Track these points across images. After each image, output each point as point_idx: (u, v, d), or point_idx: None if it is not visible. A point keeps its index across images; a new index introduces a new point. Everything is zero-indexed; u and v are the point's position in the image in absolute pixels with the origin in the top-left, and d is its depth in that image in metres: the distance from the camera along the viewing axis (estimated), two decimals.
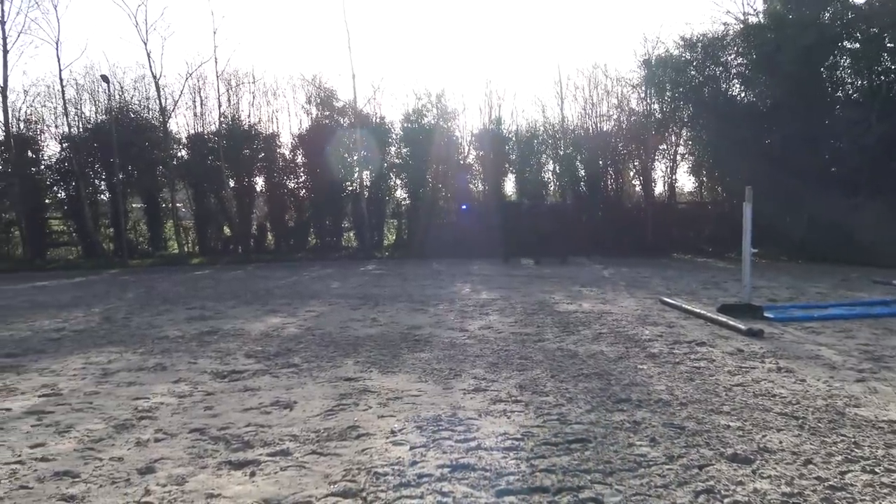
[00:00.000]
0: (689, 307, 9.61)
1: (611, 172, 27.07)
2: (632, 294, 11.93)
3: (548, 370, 6.01)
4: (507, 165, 27.35)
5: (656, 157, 26.60)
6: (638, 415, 4.59)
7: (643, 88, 25.65)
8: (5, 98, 26.61)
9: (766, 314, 8.80)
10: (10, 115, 26.82)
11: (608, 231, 24.66)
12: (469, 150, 27.80)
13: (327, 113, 28.12)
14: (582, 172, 26.92)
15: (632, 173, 27.65)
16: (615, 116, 26.78)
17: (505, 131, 27.12)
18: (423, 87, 28.58)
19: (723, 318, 8.42)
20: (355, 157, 27.45)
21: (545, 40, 44.23)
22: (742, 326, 7.78)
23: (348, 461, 3.84)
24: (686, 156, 26.57)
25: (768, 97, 22.28)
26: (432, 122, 27.28)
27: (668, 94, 25.09)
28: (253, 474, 3.69)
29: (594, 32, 50.80)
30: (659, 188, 27.49)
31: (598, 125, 26.92)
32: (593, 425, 4.38)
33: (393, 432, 4.35)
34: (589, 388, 5.35)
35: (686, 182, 28.77)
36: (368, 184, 27.81)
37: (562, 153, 27.07)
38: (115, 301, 13.01)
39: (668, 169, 26.80)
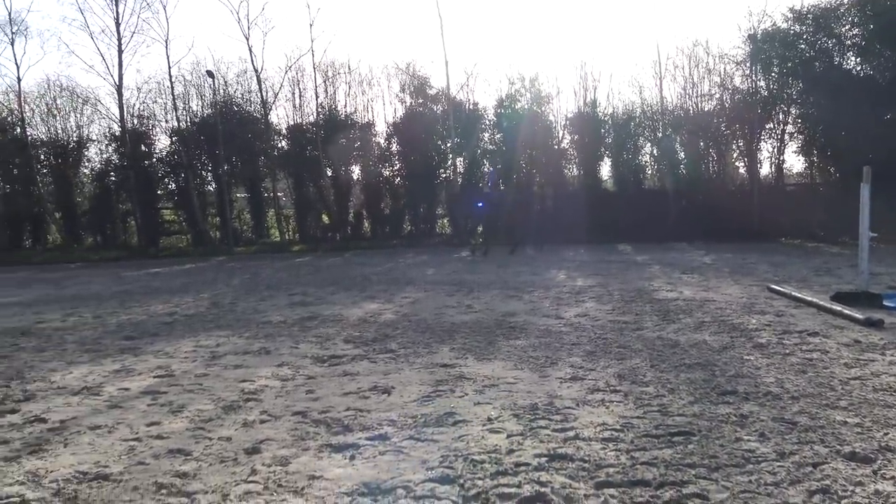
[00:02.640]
0: (799, 295, 9.11)
1: (713, 154, 26.00)
2: (736, 281, 11.43)
3: (647, 360, 5.84)
4: (602, 149, 26.73)
5: (762, 137, 25.32)
6: (745, 408, 4.38)
7: (748, 65, 24.42)
8: (121, 95, 28.33)
9: (885, 303, 8.22)
10: (125, 112, 28.51)
11: (709, 215, 23.70)
12: (563, 134, 27.36)
13: (421, 101, 28.33)
14: (682, 155, 26.00)
15: (735, 154, 26.47)
16: (717, 95, 25.66)
17: (600, 114, 26.49)
18: (517, 71, 28.31)
19: (837, 307, 7.93)
20: (449, 144, 27.56)
21: (643, 18, 42.98)
22: (859, 316, 7.30)
23: (445, 447, 3.85)
24: (795, 135, 25.13)
25: (888, 70, 20.76)
26: (525, 106, 26.99)
27: (774, 70, 23.78)
28: (353, 458, 3.76)
29: (695, 8, 48.83)
30: (765, 170, 26.20)
31: (699, 105, 25.88)
32: (697, 418, 4.21)
33: (489, 420, 4.34)
34: (691, 378, 5.16)
35: (795, 163, 27.18)
36: (462, 170, 27.86)
37: (660, 135, 26.23)
38: (222, 287, 13.62)
39: (776, 149, 25.46)
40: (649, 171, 27.53)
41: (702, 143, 25.61)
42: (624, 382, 5.12)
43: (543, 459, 3.61)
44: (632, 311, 8.52)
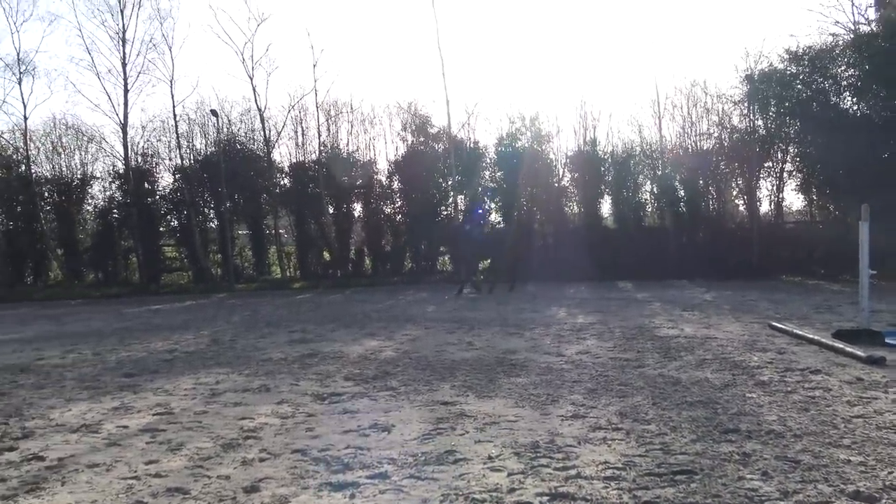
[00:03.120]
0: (800, 332, 9.09)
1: (712, 192, 26.13)
2: (737, 318, 11.42)
3: (649, 397, 5.81)
4: (602, 187, 26.89)
5: (761, 175, 25.48)
6: (748, 446, 4.35)
7: (745, 105, 24.69)
8: (125, 134, 28.64)
9: (887, 340, 8.20)
10: (129, 150, 28.78)
11: (709, 253, 23.72)
12: (564, 172, 27.54)
13: (422, 139, 28.59)
14: (681, 193, 26.15)
15: (735, 192, 26.60)
16: (716, 134, 25.88)
17: (600, 152, 26.70)
18: (517, 110, 28.61)
19: (839, 345, 7.90)
20: (450, 182, 27.74)
21: (641, 59, 43.72)
22: (861, 353, 7.27)
23: (446, 486, 3.82)
24: (794, 173, 25.28)
25: (884, 109, 20.98)
26: (526, 145, 27.21)
27: (772, 109, 24.04)
28: (353, 496, 3.73)
29: (692, 49, 49.53)
30: (765, 207, 26.31)
31: (698, 143, 26.10)
32: (699, 456, 4.18)
33: (490, 458, 4.31)
34: (693, 416, 5.13)
35: (794, 201, 27.27)
36: (463, 208, 28.00)
37: (660, 173, 26.40)
38: (223, 324, 13.60)
39: (775, 187, 25.59)
40: (649, 209, 27.63)
41: (701, 182, 25.76)
42: (626, 420, 5.09)
43: (545, 498, 3.58)
44: (633, 349, 8.50)
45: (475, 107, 29.16)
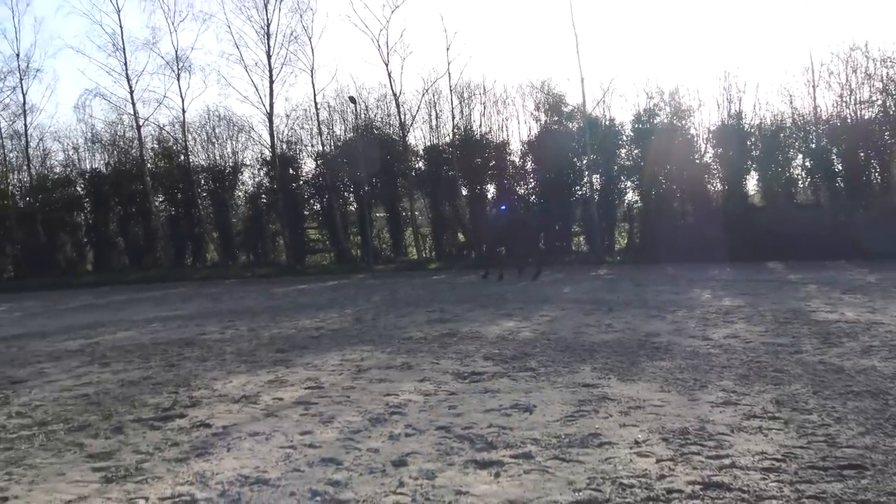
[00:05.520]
0: None
1: (874, 165, 23.99)
2: None
3: (808, 385, 5.44)
4: (748, 162, 25.35)
5: None
6: None
7: None
8: (272, 123, 30.22)
9: None
10: (275, 138, 30.39)
11: (872, 231, 21.79)
12: (706, 147, 26.22)
13: (556, 118, 28.16)
14: (839, 166, 24.19)
15: None
16: (879, 102, 23.69)
17: (746, 126, 25.16)
18: (655, 85, 27.33)
19: None
20: (584, 161, 27.19)
21: (792, 23, 40.40)
22: None
23: (592, 469, 3.77)
24: None
25: None
26: (665, 120, 26.13)
27: None
28: (497, 475, 3.76)
29: (851, 9, 45.52)
30: None
31: (858, 112, 24.00)
32: (869, 450, 3.87)
33: (637, 442, 4.20)
34: (861, 407, 4.75)
35: None
36: (598, 187, 27.38)
37: (813, 146, 24.53)
38: (364, 303, 14.10)
39: None
40: (801, 185, 25.78)
41: (862, 154, 23.70)
42: (783, 409, 4.79)
43: (697, 487, 3.45)
44: (787, 333, 7.99)
45: (611, 83, 28.10)
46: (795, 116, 24.96)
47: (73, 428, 5.16)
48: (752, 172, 25.73)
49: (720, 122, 25.64)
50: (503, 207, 24.46)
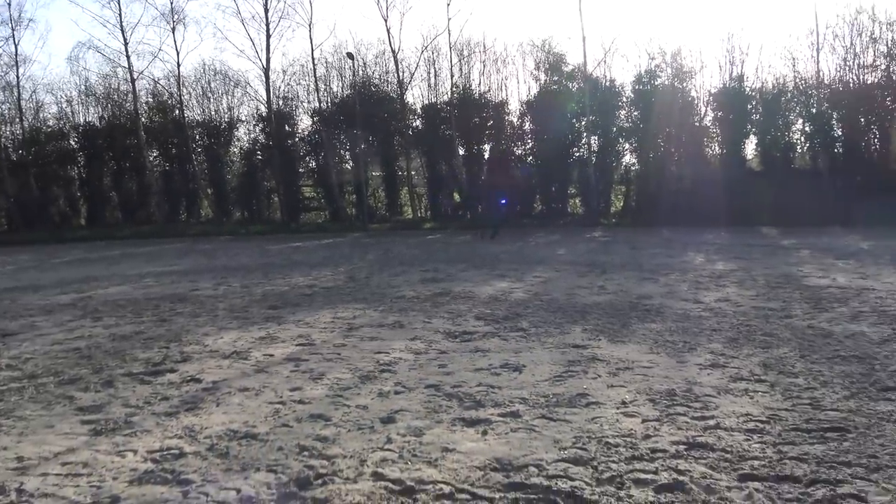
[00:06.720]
0: None
1: (875, 131, 23.83)
2: None
3: (796, 349, 5.47)
4: (748, 126, 25.16)
5: None
6: None
7: None
8: (268, 78, 29.80)
9: None
10: (271, 94, 30.01)
11: (869, 198, 21.75)
12: (706, 110, 26.00)
13: (556, 78, 27.82)
14: (839, 132, 24.03)
15: None
16: (883, 66, 23.42)
17: (748, 89, 24.91)
18: (657, 45, 27.13)
19: None
20: (583, 122, 26.97)
21: None
22: None
23: (578, 428, 3.80)
24: None
25: None
26: (666, 82, 25.84)
27: None
28: (485, 433, 3.78)
29: None
30: None
31: (861, 77, 23.75)
32: (853, 413, 3.90)
33: (624, 403, 4.23)
34: (847, 371, 4.79)
35: None
36: (596, 149, 27.20)
37: (814, 111, 24.32)
38: (358, 262, 14.10)
39: None
40: (800, 150, 25.64)
41: (863, 119, 23.53)
42: (770, 372, 4.83)
43: (682, 447, 3.48)
44: (778, 298, 8.01)
45: (612, 43, 27.92)
46: (798, 80, 24.72)
47: (63, 381, 5.17)
48: (752, 137, 25.58)
49: (721, 85, 25.39)
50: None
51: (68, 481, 3.32)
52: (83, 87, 32.37)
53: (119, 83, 31.76)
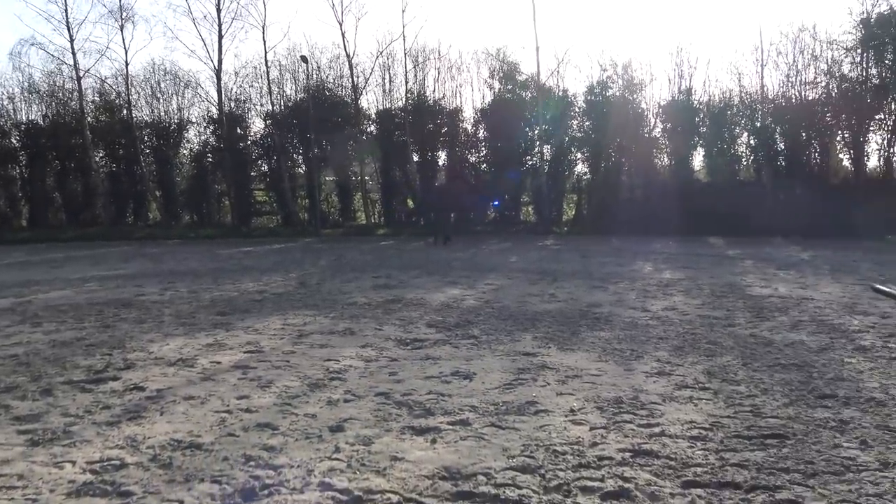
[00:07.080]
0: None
1: (815, 145, 24.71)
2: (837, 279, 10.85)
3: (739, 357, 5.61)
4: (696, 139, 25.83)
5: (871, 128, 23.89)
6: (845, 413, 4.15)
7: (858, 52, 23.07)
8: (219, 80, 29.39)
9: None
10: (223, 95, 29.57)
11: (809, 209, 22.52)
12: (655, 122, 26.61)
13: (510, 87, 28.12)
14: (781, 146, 24.83)
15: (840, 146, 25.07)
16: (823, 84, 24.34)
17: (695, 102, 25.60)
18: (609, 57, 27.64)
19: None
20: (536, 131, 27.31)
21: (745, 1, 41.01)
22: None
23: (526, 436, 3.82)
24: None
25: None
26: (617, 93, 26.39)
27: (889, 56, 22.38)
28: (434, 441, 3.78)
29: None
30: (872, 162, 24.74)
31: (803, 93, 24.62)
32: (792, 420, 4.02)
33: (572, 411, 4.28)
34: (787, 379, 4.93)
35: None
36: (549, 158, 27.55)
37: (759, 125, 25.10)
38: (310, 267, 13.96)
39: (886, 141, 23.97)
40: (745, 162, 26.42)
41: (804, 134, 24.39)
42: (713, 380, 4.94)
43: (628, 454, 3.53)
44: (723, 307, 8.22)
45: (565, 54, 28.59)
46: (743, 95, 25.54)
47: None
48: (699, 149, 26.29)
49: (670, 98, 26.05)
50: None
51: (2, 494, 3.20)
52: (26, 84, 31.39)
53: (64, 81, 30.93)
